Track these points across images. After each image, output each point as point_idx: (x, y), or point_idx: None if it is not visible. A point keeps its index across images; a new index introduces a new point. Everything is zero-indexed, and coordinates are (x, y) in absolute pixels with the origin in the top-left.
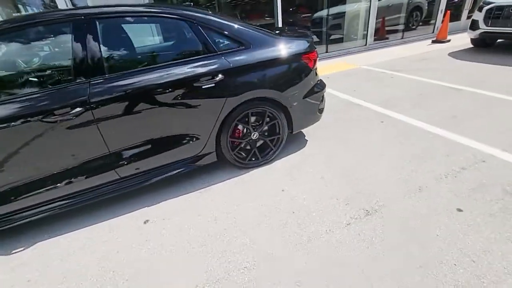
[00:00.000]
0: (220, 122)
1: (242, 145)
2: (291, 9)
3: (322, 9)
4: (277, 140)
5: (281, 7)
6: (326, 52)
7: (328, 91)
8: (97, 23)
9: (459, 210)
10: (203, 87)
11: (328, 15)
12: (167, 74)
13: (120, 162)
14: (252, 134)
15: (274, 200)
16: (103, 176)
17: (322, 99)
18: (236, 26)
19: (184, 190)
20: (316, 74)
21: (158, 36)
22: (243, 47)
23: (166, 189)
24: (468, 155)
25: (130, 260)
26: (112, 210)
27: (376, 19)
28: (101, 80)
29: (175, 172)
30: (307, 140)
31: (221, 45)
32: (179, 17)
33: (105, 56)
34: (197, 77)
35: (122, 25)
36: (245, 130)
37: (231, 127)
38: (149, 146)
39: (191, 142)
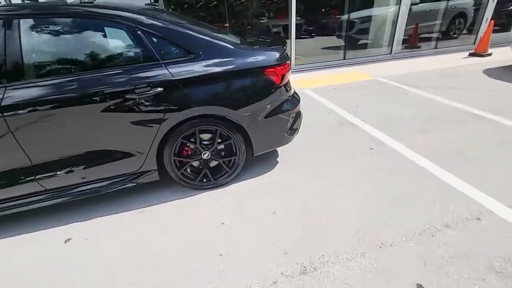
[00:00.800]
0: (159, 139)
1: (192, 164)
2: (323, 10)
3: (351, 11)
4: (233, 162)
5: (295, 8)
6: (344, 59)
7: (326, 104)
8: (20, 23)
9: (420, 287)
10: (137, 99)
11: (349, 19)
12: (97, 82)
13: (45, 174)
14: (203, 154)
15: (208, 235)
16: (24, 187)
17: (294, 119)
18: (187, 32)
19: (120, 208)
20: (287, 89)
21: (94, 40)
22: (192, 56)
23: (103, 204)
24: (461, 206)
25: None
26: (39, 223)
27: (408, 25)
28: (19, 86)
29: (109, 189)
30: (277, 162)
31: (166, 53)
32: (117, 19)
33: (27, 61)
34: (132, 88)
35: (53, 27)
36: (195, 148)
37: (175, 145)
38: (78, 159)
39: (126, 157)
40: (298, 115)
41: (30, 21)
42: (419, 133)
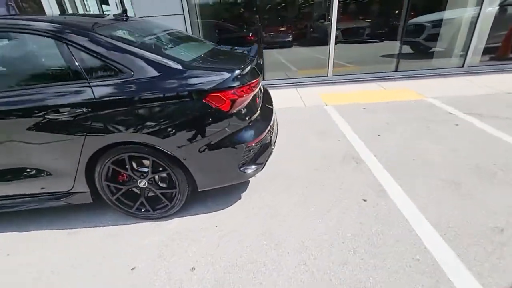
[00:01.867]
0: (85, 161)
1: (129, 191)
2: (396, 12)
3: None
4: (174, 195)
5: (337, 8)
6: (395, 70)
7: (342, 128)
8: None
9: None
10: (58, 119)
11: (405, 24)
12: (19, 99)
13: None
14: (139, 182)
15: (110, 280)
16: None
17: (255, 151)
18: (123, 48)
19: (51, 226)
20: (246, 116)
21: (20, 54)
22: (122, 76)
23: (38, 218)
24: None
25: None
26: None
27: (495, 31)
28: None
29: (37, 205)
30: (240, 198)
31: (95, 72)
32: (45, 32)
33: None
34: (52, 107)
35: None
36: (129, 175)
37: (103, 169)
38: (5, 173)
39: (54, 176)
40: (266, 145)
41: None
42: (450, 192)
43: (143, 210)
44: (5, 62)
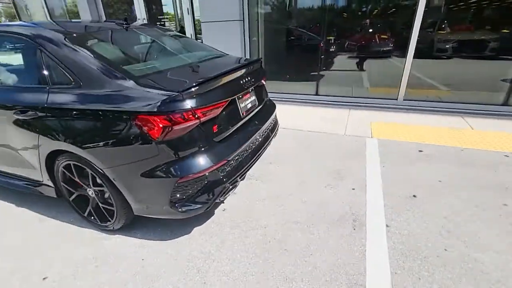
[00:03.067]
0: (44, 161)
1: (82, 196)
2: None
3: None
4: (113, 213)
5: (422, 15)
6: (505, 104)
7: (371, 173)
8: None
9: None
10: (19, 118)
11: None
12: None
13: None
14: (88, 190)
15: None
16: None
17: (185, 188)
18: (80, 58)
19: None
20: (181, 148)
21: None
22: (72, 86)
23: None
24: None
25: None
26: None
27: None
28: None
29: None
30: (186, 234)
31: (57, 78)
32: (21, 37)
33: None
34: (13, 106)
35: None
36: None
37: (59, 171)
38: None
39: (26, 166)
40: (214, 185)
41: None
42: None
43: (92, 218)
44: None
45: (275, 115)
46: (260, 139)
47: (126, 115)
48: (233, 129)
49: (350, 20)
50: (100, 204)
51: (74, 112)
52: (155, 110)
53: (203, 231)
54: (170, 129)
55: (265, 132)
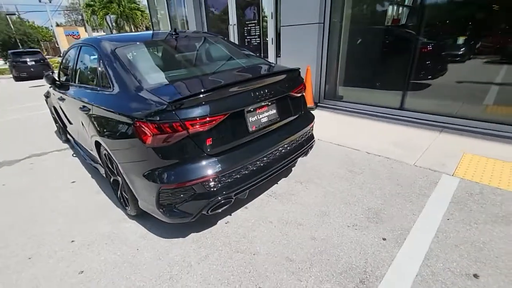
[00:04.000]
0: (93, 145)
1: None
2: None
3: None
4: (126, 199)
5: None
6: None
7: (421, 223)
8: (80, 50)
9: None
10: (82, 110)
11: None
12: (77, 92)
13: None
14: (117, 177)
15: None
16: None
17: (169, 195)
18: (116, 65)
19: None
20: (165, 157)
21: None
22: (109, 89)
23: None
24: None
25: None
26: None
27: None
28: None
29: None
30: (197, 240)
31: (103, 81)
32: (93, 48)
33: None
34: (80, 100)
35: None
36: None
37: (101, 157)
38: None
39: (89, 147)
40: (201, 197)
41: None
42: None
43: (121, 200)
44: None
45: (309, 130)
46: (276, 157)
47: (131, 119)
48: (236, 144)
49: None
50: (122, 191)
51: (103, 111)
52: (147, 117)
53: (196, 239)
54: (158, 137)
55: (286, 149)
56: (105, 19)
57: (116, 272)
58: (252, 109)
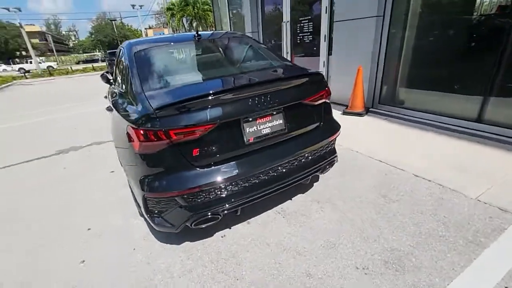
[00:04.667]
0: None
1: None
2: None
3: None
4: None
5: None
6: None
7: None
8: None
9: None
10: (111, 111)
11: None
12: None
13: None
14: None
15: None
16: None
17: (153, 202)
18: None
19: None
20: (149, 165)
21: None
22: (122, 90)
23: None
24: None
25: None
26: None
27: None
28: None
29: None
30: (188, 250)
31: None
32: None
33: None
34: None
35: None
36: None
37: None
38: None
39: None
40: (185, 210)
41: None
42: None
43: None
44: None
45: (328, 144)
46: (281, 173)
47: (126, 122)
48: (228, 156)
49: None
50: None
51: (115, 111)
52: (135, 123)
53: (188, 249)
54: (144, 144)
55: (295, 165)
56: (182, 20)
57: (110, 269)
58: (250, 119)
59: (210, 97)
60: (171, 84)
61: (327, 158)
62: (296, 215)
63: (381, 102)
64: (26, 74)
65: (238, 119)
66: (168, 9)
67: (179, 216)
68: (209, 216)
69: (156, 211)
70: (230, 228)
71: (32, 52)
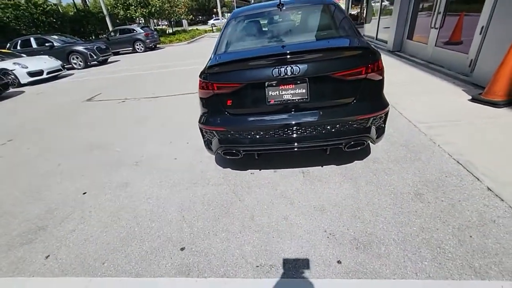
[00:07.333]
0: None
1: None
2: None
3: None
4: None
5: None
6: None
7: None
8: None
9: None
10: None
11: None
12: None
13: None
14: None
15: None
16: None
17: (205, 132)
18: (221, 32)
19: None
20: (203, 106)
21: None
22: None
23: None
24: None
25: None
26: None
27: None
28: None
29: None
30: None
31: None
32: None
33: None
34: None
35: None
36: None
37: None
38: None
39: None
40: (219, 142)
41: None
42: None
43: None
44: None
45: (360, 121)
46: (302, 136)
47: None
48: (252, 111)
49: None
50: None
51: None
52: (199, 75)
53: (227, 172)
54: (200, 90)
55: (313, 133)
56: None
57: (186, 164)
58: (274, 84)
59: (241, 63)
60: (232, 49)
61: (353, 136)
62: (315, 179)
63: None
64: (213, 28)
65: (263, 82)
66: None
67: (215, 145)
68: (233, 151)
69: (205, 139)
70: (260, 170)
71: (219, 9)
